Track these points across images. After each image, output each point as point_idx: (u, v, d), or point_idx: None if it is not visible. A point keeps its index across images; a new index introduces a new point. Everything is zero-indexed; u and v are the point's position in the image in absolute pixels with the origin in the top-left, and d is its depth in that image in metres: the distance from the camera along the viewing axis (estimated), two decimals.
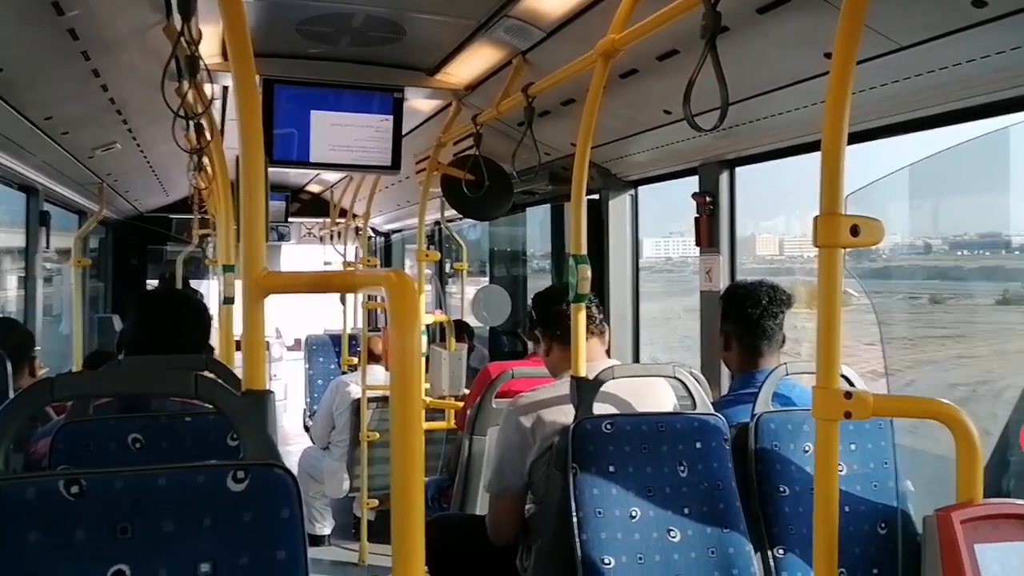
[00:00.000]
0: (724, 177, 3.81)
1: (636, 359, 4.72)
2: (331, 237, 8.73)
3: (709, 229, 3.84)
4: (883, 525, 2.42)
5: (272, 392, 1.43)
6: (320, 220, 9.63)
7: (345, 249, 7.52)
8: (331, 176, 7.46)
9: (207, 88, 3.36)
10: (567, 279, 2.57)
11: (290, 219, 9.43)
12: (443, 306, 8.10)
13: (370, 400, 4.97)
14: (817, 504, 1.51)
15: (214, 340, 2.94)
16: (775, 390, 2.56)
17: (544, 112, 3.69)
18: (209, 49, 3.23)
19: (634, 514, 2.36)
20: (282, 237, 9.69)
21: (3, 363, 2.68)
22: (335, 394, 5.53)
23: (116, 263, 8.91)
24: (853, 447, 2.46)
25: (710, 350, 3.79)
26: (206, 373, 2.02)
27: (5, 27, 2.66)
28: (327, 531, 5.53)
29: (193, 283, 8.55)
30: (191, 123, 3.41)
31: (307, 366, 7.49)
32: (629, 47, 2.28)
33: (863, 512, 2.42)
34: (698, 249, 3.93)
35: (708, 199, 3.81)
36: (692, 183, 3.96)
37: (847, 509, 2.27)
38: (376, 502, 5.00)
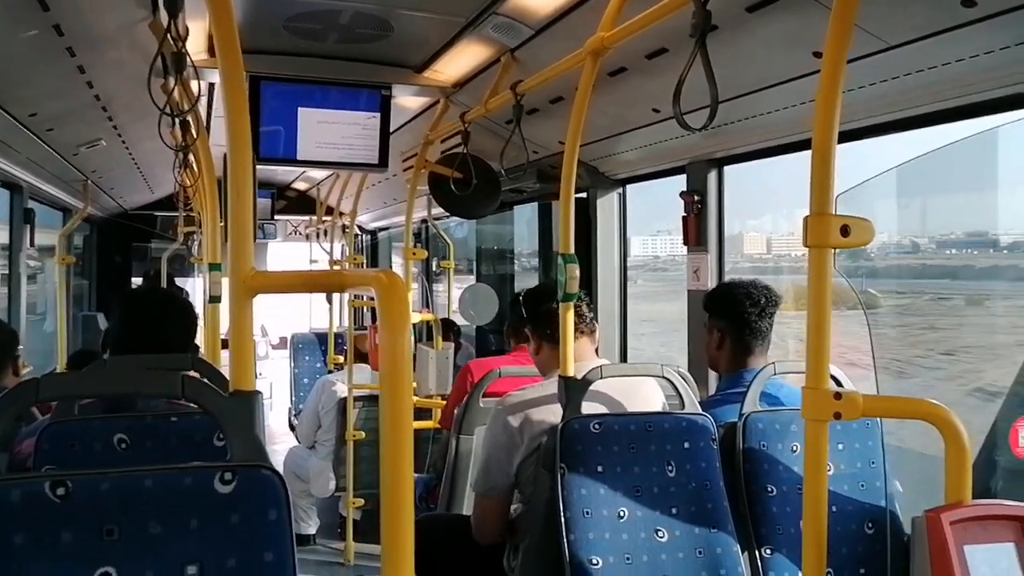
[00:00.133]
0: (712, 176, 3.81)
1: (623, 358, 4.72)
2: (317, 235, 8.70)
3: (697, 228, 3.84)
4: (870, 525, 2.43)
5: (260, 393, 1.42)
6: (306, 218, 9.59)
7: (331, 247, 7.50)
8: (317, 173, 7.44)
9: (193, 85, 3.33)
10: (556, 277, 2.56)
11: (276, 217, 9.39)
12: (430, 305, 8.09)
13: (356, 399, 4.96)
14: (806, 504, 1.51)
15: (200, 339, 2.93)
16: (763, 390, 2.56)
17: (532, 110, 3.69)
18: (195, 45, 3.21)
19: (622, 514, 2.35)
20: (267, 235, 9.65)
21: None
22: (321, 393, 5.51)
23: (100, 261, 8.85)
24: (841, 447, 2.46)
25: (698, 349, 3.79)
26: (192, 373, 2.01)
27: None
28: (313, 530, 5.51)
29: (178, 281, 8.50)
30: (177, 120, 3.39)
31: (293, 365, 7.46)
32: (618, 45, 2.27)
33: (850, 512, 2.42)
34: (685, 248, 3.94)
35: (696, 198, 3.82)
36: (679, 181, 3.97)
37: (834, 509, 2.27)
38: (362, 501, 4.98)
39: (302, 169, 6.97)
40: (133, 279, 9.24)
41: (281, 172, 8.01)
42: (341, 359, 5.93)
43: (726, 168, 3.83)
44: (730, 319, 2.84)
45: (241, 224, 1.39)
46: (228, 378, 1.45)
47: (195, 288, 8.52)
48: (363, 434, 4.90)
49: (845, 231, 1.42)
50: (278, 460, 5.64)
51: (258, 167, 4.20)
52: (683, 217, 3.90)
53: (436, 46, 3.58)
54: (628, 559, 2.32)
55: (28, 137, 4.03)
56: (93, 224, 8.45)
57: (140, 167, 6.26)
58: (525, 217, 7.20)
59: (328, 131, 3.94)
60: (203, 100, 4.15)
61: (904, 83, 2.48)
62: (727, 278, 3.76)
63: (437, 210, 4.77)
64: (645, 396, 2.78)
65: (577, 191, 2.78)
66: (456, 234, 7.85)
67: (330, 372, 6.23)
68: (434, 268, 8.40)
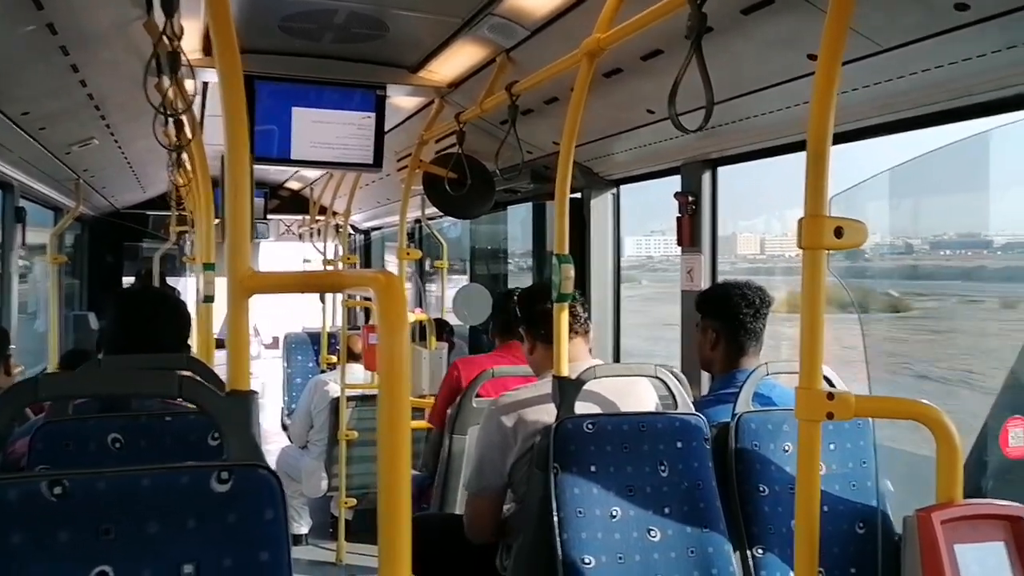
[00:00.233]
0: (706, 177, 3.83)
1: (616, 358, 4.73)
2: (311, 234, 8.69)
3: (691, 229, 3.85)
4: (861, 525, 2.44)
5: (256, 392, 1.42)
6: (299, 217, 9.57)
7: (325, 247, 7.49)
8: (311, 173, 7.43)
9: (188, 84, 3.33)
10: (550, 277, 2.57)
11: (269, 216, 9.37)
12: (423, 304, 8.09)
13: (349, 399, 4.96)
14: (798, 504, 1.51)
15: (193, 338, 2.92)
16: (755, 390, 2.57)
17: (527, 110, 3.69)
18: (189, 45, 3.21)
19: (614, 514, 2.36)
20: (260, 235, 9.63)
21: None
22: (314, 393, 5.51)
23: (92, 260, 8.81)
24: (832, 447, 2.47)
25: (691, 350, 3.80)
26: (186, 372, 2.01)
27: None
28: (304, 530, 5.50)
29: (170, 280, 8.48)
30: (171, 119, 3.38)
31: (285, 364, 7.44)
32: (613, 47, 2.28)
33: (842, 512, 2.43)
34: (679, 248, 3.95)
35: (690, 199, 3.83)
36: (673, 182, 3.98)
37: (826, 509, 2.28)
38: (354, 501, 4.98)
39: (296, 169, 6.95)
40: (124, 278, 9.20)
41: (274, 171, 7.98)
42: (334, 359, 5.92)
43: (720, 169, 3.85)
44: (725, 320, 2.86)
45: (239, 224, 1.39)
46: (222, 378, 1.45)
47: (187, 288, 8.49)
48: (356, 434, 4.90)
49: (839, 233, 1.43)
50: (271, 460, 5.60)
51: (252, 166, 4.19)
52: (677, 218, 3.91)
53: (431, 46, 3.58)
54: (620, 558, 2.33)
55: (20, 136, 4.02)
56: (85, 223, 8.42)
57: (132, 166, 6.24)
58: (519, 217, 7.20)
59: (323, 131, 3.94)
60: (196, 99, 4.14)
61: (898, 85, 2.50)
62: (720, 278, 3.78)
63: (431, 210, 4.77)
64: (639, 396, 2.79)
65: (572, 191, 2.79)
66: (450, 234, 7.85)
67: (323, 372, 6.23)
68: (427, 268, 8.40)
